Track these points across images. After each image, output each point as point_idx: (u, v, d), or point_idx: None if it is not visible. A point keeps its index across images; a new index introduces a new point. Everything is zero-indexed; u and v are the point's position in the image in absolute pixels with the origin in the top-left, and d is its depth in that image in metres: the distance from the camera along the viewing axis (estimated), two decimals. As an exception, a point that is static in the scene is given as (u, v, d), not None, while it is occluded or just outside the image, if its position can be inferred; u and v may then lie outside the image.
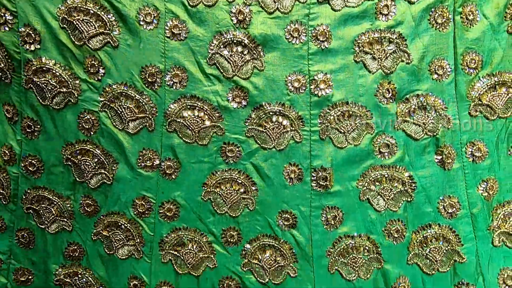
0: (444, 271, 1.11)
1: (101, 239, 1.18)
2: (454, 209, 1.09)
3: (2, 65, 1.08)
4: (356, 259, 1.10)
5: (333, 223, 1.10)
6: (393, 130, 1.08)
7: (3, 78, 1.10)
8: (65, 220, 1.19)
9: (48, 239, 1.21)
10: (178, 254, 1.13)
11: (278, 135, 1.09)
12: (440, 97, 1.07)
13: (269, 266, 1.11)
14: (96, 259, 1.20)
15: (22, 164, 1.16)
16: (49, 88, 1.07)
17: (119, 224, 1.16)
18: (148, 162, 1.12)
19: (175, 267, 1.14)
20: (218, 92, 1.09)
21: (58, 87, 1.07)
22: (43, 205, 1.19)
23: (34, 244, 1.24)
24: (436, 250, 1.10)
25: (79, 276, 1.23)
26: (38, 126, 1.13)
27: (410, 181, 1.09)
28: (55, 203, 1.18)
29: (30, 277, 1.28)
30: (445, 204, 1.09)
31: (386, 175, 1.09)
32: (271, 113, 1.08)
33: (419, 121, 1.08)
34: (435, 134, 1.08)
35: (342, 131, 1.08)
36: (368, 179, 1.09)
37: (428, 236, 1.10)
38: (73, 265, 1.23)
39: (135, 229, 1.16)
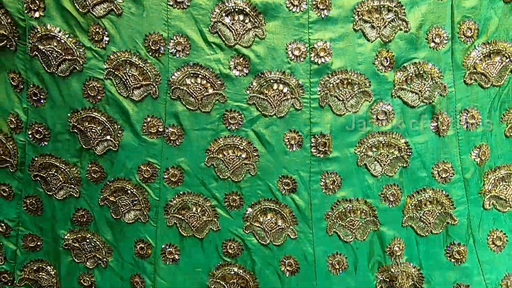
0: (437, 232, 1.16)
1: (108, 204, 1.22)
2: (448, 174, 1.14)
3: (7, 32, 1.09)
4: (353, 222, 1.15)
5: (331, 187, 1.14)
6: (390, 98, 1.12)
7: (8, 46, 1.12)
8: (73, 186, 1.23)
9: (56, 206, 1.25)
10: (182, 218, 1.18)
11: (278, 102, 1.12)
12: (436, 65, 1.10)
13: (270, 229, 1.16)
14: (103, 224, 1.25)
15: (29, 132, 1.19)
16: (54, 55, 1.09)
17: (125, 189, 1.20)
18: (152, 129, 1.15)
19: (180, 230, 1.19)
20: (220, 60, 1.11)
21: (63, 54, 1.09)
22: (50, 172, 1.22)
23: (42, 210, 1.28)
24: (430, 213, 1.15)
25: (87, 240, 1.28)
26: (44, 94, 1.15)
27: (406, 147, 1.13)
28: (62, 170, 1.22)
29: (39, 243, 1.33)
30: (439, 170, 1.14)
31: (383, 142, 1.13)
32: (272, 81, 1.11)
33: (416, 88, 1.11)
34: (431, 101, 1.12)
35: (341, 99, 1.11)
36: (366, 146, 1.13)
37: (423, 200, 1.15)
38: (81, 230, 1.28)
39: (141, 195, 1.20)
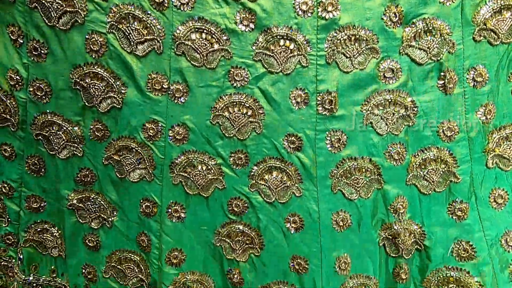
0: (440, 191, 1.18)
1: (112, 163, 1.22)
2: (453, 132, 1.14)
3: (5, -18, 1.06)
4: (358, 180, 1.16)
5: (337, 146, 1.14)
6: (398, 55, 1.10)
7: (6, -3, 1.08)
8: (76, 145, 1.22)
9: (59, 165, 1.24)
10: (188, 176, 1.18)
11: (285, 59, 1.10)
12: (446, 21, 1.08)
13: (275, 187, 1.17)
14: (107, 183, 1.25)
15: (30, 89, 1.17)
16: (55, 7, 1.05)
17: (130, 148, 1.19)
18: (157, 85, 1.13)
19: (185, 188, 1.19)
20: (226, 15, 1.08)
21: (64, 6, 1.05)
22: (52, 131, 1.20)
23: (45, 171, 1.27)
24: (434, 171, 1.16)
25: (91, 200, 1.28)
26: (45, 49, 1.12)
27: (412, 106, 1.13)
28: (64, 128, 1.20)
29: (42, 204, 1.32)
30: (444, 128, 1.14)
31: (390, 100, 1.12)
32: (278, 36, 1.09)
33: (424, 45, 1.10)
34: (439, 59, 1.10)
35: (348, 56, 1.10)
36: (372, 104, 1.12)
37: (427, 158, 1.16)
38: (85, 190, 1.27)
39: (146, 153, 1.19)
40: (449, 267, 1.20)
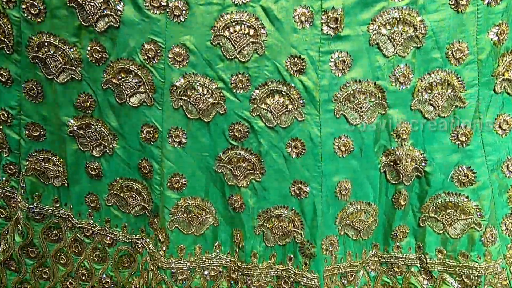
0: (444, 116, 1.16)
1: (112, 88, 1.19)
2: (462, 54, 1.10)
3: None
4: (361, 104, 1.14)
5: (341, 68, 1.11)
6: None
7: None
8: (73, 68, 1.19)
9: (57, 90, 1.22)
10: (188, 100, 1.16)
11: (289, -26, 1.05)
12: None
13: (277, 111, 1.15)
14: (107, 109, 1.23)
15: (23, 6, 1.12)
16: None
17: (129, 70, 1.15)
18: (155, 2, 1.08)
19: (186, 113, 1.17)
20: None
21: None
22: (49, 53, 1.17)
23: (43, 97, 1.25)
24: (440, 95, 1.14)
25: (92, 127, 1.27)
26: (36, -39, 1.07)
27: (421, 25, 1.08)
28: (61, 50, 1.16)
29: (42, 132, 1.31)
30: (453, 50, 1.10)
31: (398, 18, 1.07)
32: None
33: (437, -41, 1.04)
34: (451, -26, 1.05)
35: (356, -30, 1.04)
36: (380, 23, 1.08)
37: (434, 82, 1.13)
38: (85, 117, 1.26)
39: (145, 76, 1.16)
40: (448, 192, 1.21)
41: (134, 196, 1.35)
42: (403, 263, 1.31)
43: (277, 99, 1.15)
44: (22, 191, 1.40)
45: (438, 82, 1.13)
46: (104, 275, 1.45)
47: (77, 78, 1.19)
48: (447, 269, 1.24)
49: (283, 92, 1.14)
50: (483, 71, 1.12)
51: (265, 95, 1.15)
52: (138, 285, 1.41)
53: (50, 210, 1.42)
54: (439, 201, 1.21)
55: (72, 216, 1.41)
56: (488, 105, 1.15)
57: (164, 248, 1.27)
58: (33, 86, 1.24)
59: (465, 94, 1.14)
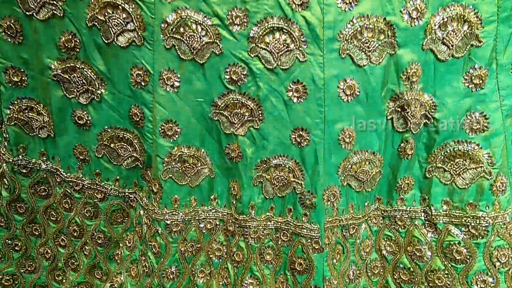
0: (458, 56, 1.07)
1: (98, 25, 1.09)
2: (481, -15, 1.01)
3: None
4: (369, 43, 1.05)
5: (348, 2, 1.01)
6: None
7: None
8: (54, 2, 1.08)
9: (38, 29, 1.12)
10: (181, 38, 1.06)
11: None
12: None
13: (277, 51, 1.06)
14: (93, 50, 1.13)
15: None
16: None
17: (116, 4, 1.05)
18: None
19: (179, 53, 1.08)
20: None
21: None
22: (26, -15, 1.07)
23: (22, 37, 1.15)
24: (454, 33, 1.05)
25: (78, 71, 1.18)
26: None
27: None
28: (39, -19, 1.06)
29: (23, 77, 1.22)
30: (471, -19, 1.01)
31: None
32: None
33: None
34: None
35: None
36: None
37: (449, 18, 1.03)
38: (69, 59, 1.16)
39: (134, 11, 1.06)
40: (458, 141, 1.14)
41: (125, 147, 1.27)
42: (406, 216, 1.26)
43: (278, 37, 1.05)
44: (5, 142, 1.31)
45: (453, 17, 1.03)
46: (97, 231, 1.41)
47: (59, 15, 1.09)
48: (452, 220, 1.19)
49: (284, 30, 1.04)
50: (504, 4, 1.02)
51: (264, 32, 1.05)
52: (132, 240, 1.37)
53: (37, 163, 1.35)
54: (448, 150, 1.15)
55: (60, 170, 1.34)
56: (507, 44, 1.06)
57: (157, 199, 1.21)
58: (11, 24, 1.13)
59: (482, 32, 1.04)
